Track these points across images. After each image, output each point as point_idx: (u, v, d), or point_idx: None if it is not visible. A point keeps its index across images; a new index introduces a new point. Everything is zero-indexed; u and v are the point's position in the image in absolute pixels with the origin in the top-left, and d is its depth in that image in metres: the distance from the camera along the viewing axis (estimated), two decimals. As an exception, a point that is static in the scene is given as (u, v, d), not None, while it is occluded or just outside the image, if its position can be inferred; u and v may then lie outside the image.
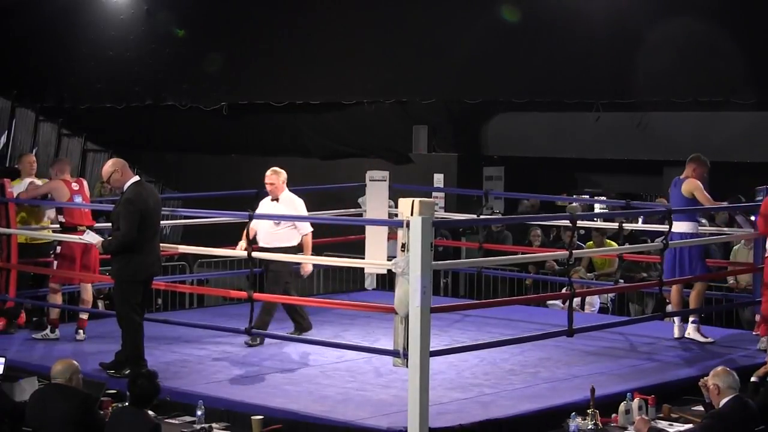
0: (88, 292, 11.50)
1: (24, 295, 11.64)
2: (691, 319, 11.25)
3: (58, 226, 11.54)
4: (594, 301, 13.69)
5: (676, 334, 11.26)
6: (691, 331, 11.17)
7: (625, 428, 8.35)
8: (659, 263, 11.09)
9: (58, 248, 11.39)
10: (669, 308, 11.72)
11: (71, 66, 22.68)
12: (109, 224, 10.36)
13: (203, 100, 21.43)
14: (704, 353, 10.67)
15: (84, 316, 11.35)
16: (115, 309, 9.89)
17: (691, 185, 11.14)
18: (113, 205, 10.27)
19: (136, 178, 9.86)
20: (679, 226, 11.00)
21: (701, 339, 11.08)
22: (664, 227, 11.08)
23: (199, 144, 22.07)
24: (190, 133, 21.94)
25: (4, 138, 21.36)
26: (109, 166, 9.90)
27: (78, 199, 11.37)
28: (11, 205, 11.52)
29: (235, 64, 20.91)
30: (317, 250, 13.71)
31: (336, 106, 20.41)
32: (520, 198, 17.93)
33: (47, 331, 11.20)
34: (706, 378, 7.78)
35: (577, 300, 12.92)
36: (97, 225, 11.57)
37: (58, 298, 11.34)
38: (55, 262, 11.49)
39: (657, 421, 8.42)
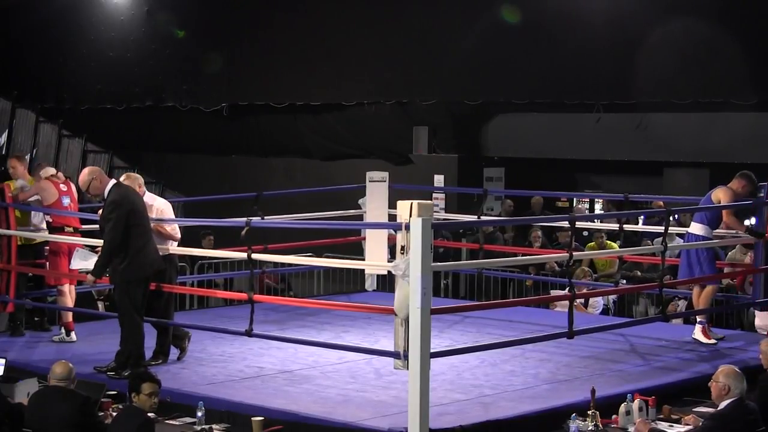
0: (72, 293, 11.37)
1: (24, 295, 11.60)
2: (698, 319, 11.23)
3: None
4: (597, 303, 13.67)
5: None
6: (696, 332, 11.13)
7: (626, 429, 8.33)
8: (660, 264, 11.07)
9: (46, 248, 11.38)
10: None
11: (71, 67, 22.70)
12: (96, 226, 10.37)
13: (203, 101, 21.44)
14: (705, 354, 10.65)
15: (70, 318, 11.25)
16: (116, 310, 9.89)
17: (721, 194, 10.94)
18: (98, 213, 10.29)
19: (114, 180, 9.86)
20: (694, 228, 11.02)
21: (704, 340, 11.03)
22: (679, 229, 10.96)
23: (199, 145, 22.06)
24: (190, 134, 21.93)
25: (4, 137, 21.36)
26: (86, 175, 9.75)
27: (66, 200, 11.33)
28: (11, 209, 11.47)
29: (235, 64, 20.92)
30: (318, 251, 13.73)
31: (336, 107, 20.41)
32: (520, 197, 17.90)
33: (63, 334, 11.12)
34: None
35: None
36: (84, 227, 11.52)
37: (67, 301, 11.24)
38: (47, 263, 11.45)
39: (657, 422, 8.41)
